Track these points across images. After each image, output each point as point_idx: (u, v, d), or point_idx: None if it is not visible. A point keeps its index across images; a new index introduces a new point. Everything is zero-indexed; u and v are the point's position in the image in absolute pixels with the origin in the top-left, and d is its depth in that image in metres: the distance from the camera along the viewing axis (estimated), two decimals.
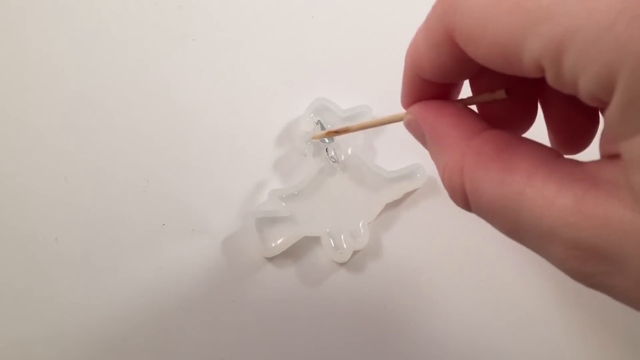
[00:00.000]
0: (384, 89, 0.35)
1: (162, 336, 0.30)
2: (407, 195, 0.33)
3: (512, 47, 0.13)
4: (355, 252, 0.31)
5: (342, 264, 0.32)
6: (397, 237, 0.32)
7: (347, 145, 0.33)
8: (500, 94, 0.17)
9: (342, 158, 0.33)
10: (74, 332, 0.30)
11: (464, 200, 0.16)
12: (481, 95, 0.18)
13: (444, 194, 0.17)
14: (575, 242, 0.13)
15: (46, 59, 0.35)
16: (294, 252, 0.31)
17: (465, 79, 0.19)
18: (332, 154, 0.32)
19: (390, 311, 0.31)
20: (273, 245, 0.31)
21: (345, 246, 0.31)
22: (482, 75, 0.18)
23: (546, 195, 0.13)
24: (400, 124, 0.20)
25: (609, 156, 0.13)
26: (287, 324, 0.30)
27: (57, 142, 0.33)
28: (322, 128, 0.32)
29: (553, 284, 0.31)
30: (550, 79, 0.13)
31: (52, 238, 0.31)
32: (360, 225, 0.31)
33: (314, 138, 0.31)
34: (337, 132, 0.26)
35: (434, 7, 0.16)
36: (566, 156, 0.15)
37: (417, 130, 0.19)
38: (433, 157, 0.18)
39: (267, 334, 0.30)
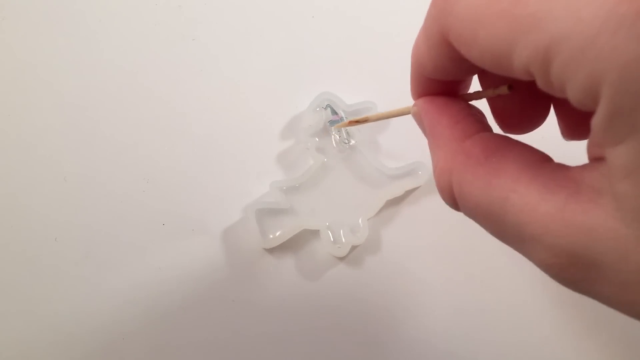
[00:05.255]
0: (388, 85, 0.35)
1: (162, 336, 0.30)
2: (409, 192, 0.33)
3: (502, 53, 0.13)
4: (354, 247, 0.31)
5: (341, 259, 0.31)
6: (397, 234, 0.32)
7: (357, 129, 0.33)
8: (503, 89, 0.17)
9: (353, 142, 0.32)
10: (74, 332, 0.30)
11: (453, 200, 0.16)
12: (485, 90, 0.18)
13: None
14: (557, 249, 0.13)
15: (46, 59, 0.35)
16: (294, 245, 0.31)
17: (468, 76, 0.18)
18: (345, 135, 0.32)
19: (388, 307, 0.30)
20: (271, 236, 0.30)
21: (344, 240, 0.31)
22: (487, 71, 0.18)
23: (529, 202, 0.13)
24: (407, 118, 0.20)
25: (596, 158, 0.13)
26: (286, 320, 0.30)
27: (57, 142, 0.33)
28: (333, 112, 0.32)
29: (553, 281, 0.31)
30: (539, 84, 0.13)
31: (52, 238, 0.31)
32: (359, 220, 0.31)
33: (338, 127, 0.31)
34: (358, 122, 0.27)
35: (429, 9, 0.16)
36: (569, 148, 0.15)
37: (421, 123, 0.19)
38: (430, 153, 0.18)
39: (267, 330, 0.30)
